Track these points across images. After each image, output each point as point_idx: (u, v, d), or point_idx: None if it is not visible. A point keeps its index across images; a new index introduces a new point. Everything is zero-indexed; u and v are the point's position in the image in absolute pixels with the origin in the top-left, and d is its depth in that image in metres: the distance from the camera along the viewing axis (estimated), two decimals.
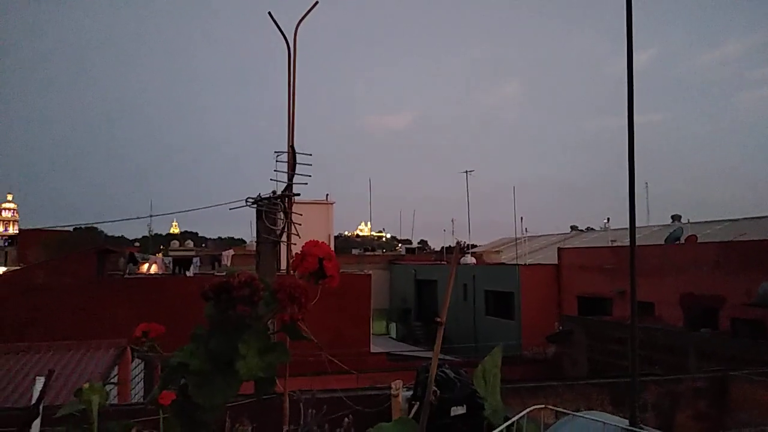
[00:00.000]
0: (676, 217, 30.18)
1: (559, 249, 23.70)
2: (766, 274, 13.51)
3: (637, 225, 3.71)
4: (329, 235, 22.56)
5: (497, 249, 35.48)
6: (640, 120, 3.30)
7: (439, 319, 2.62)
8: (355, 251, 41.72)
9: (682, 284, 16.25)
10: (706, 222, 25.86)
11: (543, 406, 1.72)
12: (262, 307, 1.12)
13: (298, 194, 5.50)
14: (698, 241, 19.12)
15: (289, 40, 5.25)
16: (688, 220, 28.96)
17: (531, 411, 1.71)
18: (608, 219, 35.26)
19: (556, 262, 22.87)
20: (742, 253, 15.39)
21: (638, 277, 3.68)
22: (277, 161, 5.57)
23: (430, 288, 28.46)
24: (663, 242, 19.88)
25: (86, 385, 1.82)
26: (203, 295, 1.06)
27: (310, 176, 5.26)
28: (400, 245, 54.84)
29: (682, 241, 19.33)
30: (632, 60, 3.56)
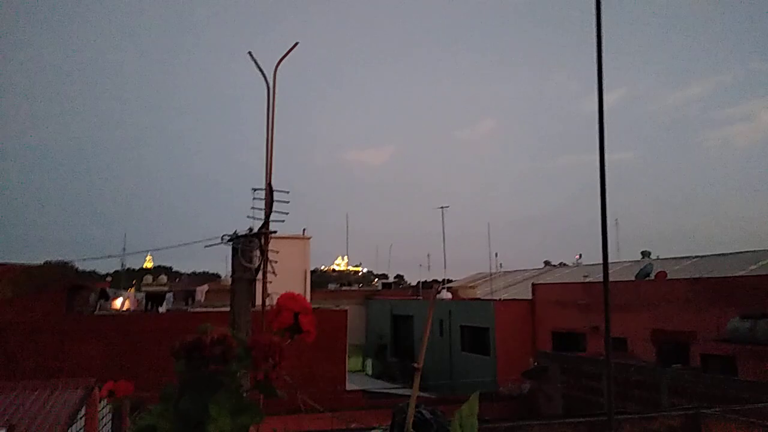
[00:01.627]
0: (645, 253, 30.72)
1: (533, 284, 23.85)
2: (735, 310, 13.76)
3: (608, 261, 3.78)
4: (305, 270, 22.36)
5: (472, 284, 35.58)
6: (611, 158, 3.39)
7: (416, 365, 2.62)
8: (331, 286, 41.45)
9: (653, 320, 16.45)
10: (675, 258, 26.35)
11: None
12: (235, 364, 1.11)
13: (275, 231, 5.48)
14: (668, 277, 19.44)
15: (268, 79, 5.31)
16: (658, 256, 29.52)
17: None
18: (580, 255, 35.70)
19: (530, 297, 23.00)
20: (711, 289, 15.67)
21: (611, 313, 3.72)
22: (254, 198, 5.57)
23: (406, 323, 28.31)
24: (633, 278, 20.16)
25: None
26: (174, 354, 1.04)
27: (287, 213, 5.27)
28: (376, 280, 54.70)
29: (653, 277, 19.63)
30: (603, 99, 3.66)
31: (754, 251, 22.19)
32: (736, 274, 17.78)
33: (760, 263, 19.94)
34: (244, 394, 1.11)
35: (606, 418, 5.45)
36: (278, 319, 1.16)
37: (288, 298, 1.22)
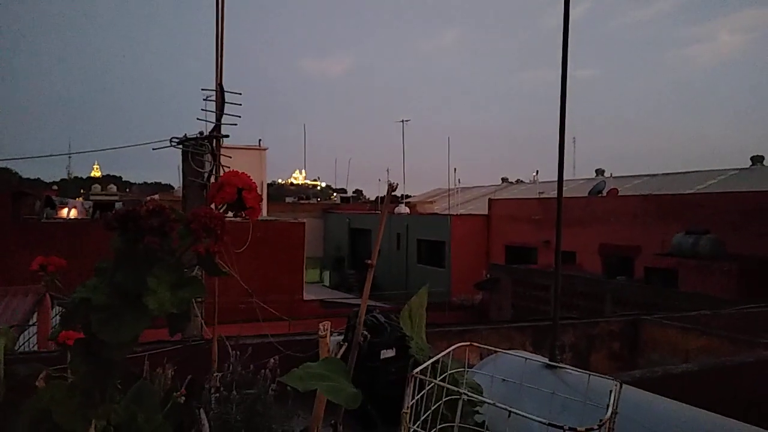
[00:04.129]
0: (599, 171, 31.47)
1: (489, 200, 24.27)
2: (681, 227, 14.36)
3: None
4: (262, 182, 22.13)
5: (431, 200, 35.97)
6: (571, 74, 3.31)
7: (369, 261, 2.61)
8: (289, 199, 41.24)
9: (601, 235, 17.06)
10: (628, 176, 27.06)
11: (468, 343, 1.73)
12: (176, 240, 1.04)
13: (227, 135, 5.29)
14: (619, 194, 20.02)
15: None
16: (611, 174, 30.26)
17: (456, 348, 1.72)
18: (537, 171, 36.26)
19: (486, 212, 23.45)
20: (659, 206, 16.24)
21: (562, 228, 3.79)
22: (205, 100, 5.33)
23: (364, 237, 28.65)
24: (587, 195, 20.70)
25: None
26: (107, 225, 0.96)
27: (239, 117, 5.07)
28: (335, 194, 54.65)
29: (605, 193, 20.18)
30: (569, 16, 3.54)
31: (705, 171, 22.94)
32: (683, 193, 18.42)
33: (709, 182, 20.68)
34: (186, 270, 1.05)
35: (551, 323, 5.69)
36: (220, 195, 1.09)
37: (232, 174, 1.14)
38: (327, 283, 28.24)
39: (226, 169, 5.32)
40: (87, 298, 0.97)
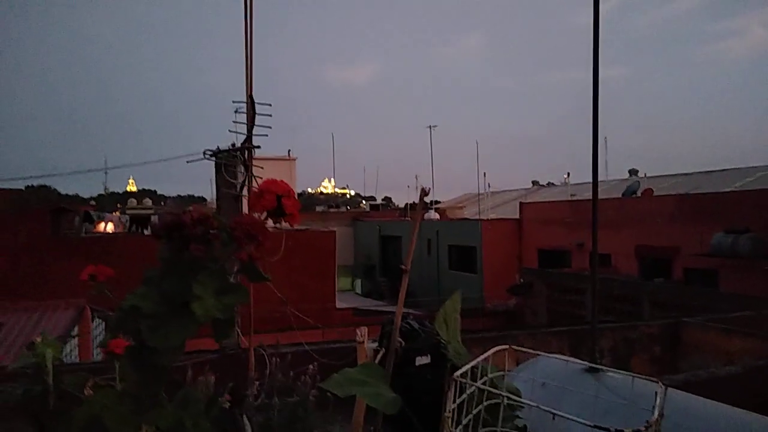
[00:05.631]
0: (633, 171, 30.91)
1: (520, 203, 24.04)
2: (719, 226, 14.00)
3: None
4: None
5: (460, 205, 35.82)
6: (600, 73, 3.28)
7: (403, 267, 2.61)
8: (318, 208, 41.55)
9: (637, 236, 16.73)
10: (662, 176, 26.53)
11: (507, 346, 1.72)
12: (218, 247, 1.07)
13: (258, 146, 5.36)
14: (654, 194, 19.63)
15: None
16: (645, 174, 29.70)
17: (495, 352, 1.70)
18: (568, 173, 35.80)
19: (517, 216, 23.23)
20: (696, 205, 15.87)
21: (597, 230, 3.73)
22: (236, 112, 5.41)
23: (394, 244, 28.65)
24: (620, 196, 20.35)
25: (39, 339, 1.75)
26: (154, 233, 0.99)
27: (270, 128, 5.12)
28: (364, 202, 54.84)
29: (639, 194, 19.81)
30: (598, 13, 3.50)
31: (741, 168, 22.36)
32: (722, 191, 17.97)
33: (746, 180, 20.14)
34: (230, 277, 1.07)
35: (589, 327, 5.60)
36: (260, 203, 1.11)
37: (271, 182, 1.17)
38: (359, 290, 28.31)
39: (259, 180, 5.39)
40: (136, 306, 1.00)
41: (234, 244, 1.05)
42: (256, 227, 1.02)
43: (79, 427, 1.19)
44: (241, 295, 1.03)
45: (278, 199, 1.10)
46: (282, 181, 1.17)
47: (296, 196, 1.18)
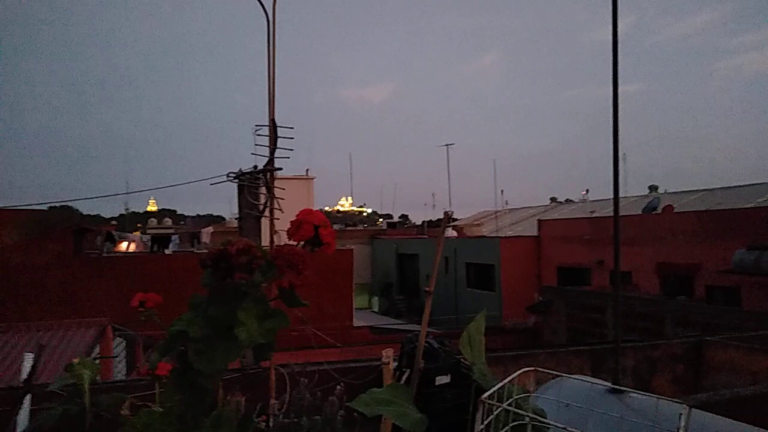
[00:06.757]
0: (653, 188, 30.67)
1: (538, 221, 23.94)
2: (742, 242, 13.82)
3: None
4: None
5: (478, 222, 35.72)
6: (619, 90, 3.32)
7: (428, 289, 2.65)
8: (336, 226, 41.68)
9: (658, 253, 16.57)
10: (682, 192, 26.26)
11: (533, 368, 1.75)
12: (258, 275, 1.13)
13: (280, 168, 5.46)
14: (675, 210, 19.45)
15: (268, 13, 5.16)
16: (665, 190, 29.44)
17: (522, 373, 1.74)
18: (587, 190, 35.64)
19: (536, 234, 23.13)
20: (718, 221, 15.69)
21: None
22: (257, 135, 5.52)
23: (411, 262, 28.63)
24: (640, 212, 20.19)
25: (77, 360, 1.82)
26: (201, 264, 1.06)
27: (291, 150, 5.23)
28: (381, 220, 54.95)
29: (659, 211, 19.64)
30: (617, 27, 3.55)
31: (763, 183, 22.05)
32: (743, 207, 17.75)
33: None
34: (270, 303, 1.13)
35: (611, 346, 5.56)
36: (299, 233, 1.17)
37: (307, 212, 1.23)
38: (376, 309, 28.27)
39: (280, 201, 5.48)
40: (183, 331, 1.06)
41: (275, 271, 1.11)
42: (298, 257, 1.08)
43: None
44: (281, 320, 1.08)
45: (315, 229, 1.16)
46: (317, 211, 1.23)
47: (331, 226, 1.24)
